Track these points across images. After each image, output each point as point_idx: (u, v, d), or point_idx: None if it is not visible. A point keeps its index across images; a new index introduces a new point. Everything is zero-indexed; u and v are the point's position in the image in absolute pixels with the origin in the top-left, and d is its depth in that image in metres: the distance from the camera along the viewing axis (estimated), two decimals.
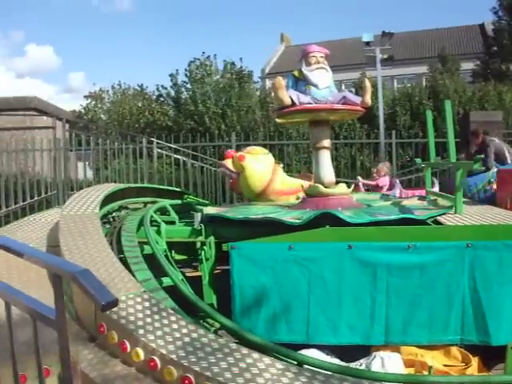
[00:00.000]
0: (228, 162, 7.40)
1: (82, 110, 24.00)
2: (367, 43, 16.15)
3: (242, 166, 7.09)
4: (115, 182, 10.41)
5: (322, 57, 5.76)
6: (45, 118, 13.17)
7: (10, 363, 2.01)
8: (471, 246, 4.27)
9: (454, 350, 4.36)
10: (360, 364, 4.21)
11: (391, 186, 9.58)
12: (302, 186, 6.34)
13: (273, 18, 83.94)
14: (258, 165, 7.19)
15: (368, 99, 5.67)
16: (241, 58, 21.82)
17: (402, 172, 13.82)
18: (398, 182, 9.98)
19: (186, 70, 21.40)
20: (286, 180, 7.38)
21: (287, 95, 5.44)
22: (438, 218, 5.40)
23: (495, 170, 7.48)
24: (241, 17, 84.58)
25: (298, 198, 6.71)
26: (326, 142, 5.77)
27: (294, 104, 5.46)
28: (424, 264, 4.30)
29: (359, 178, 10.13)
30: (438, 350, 4.40)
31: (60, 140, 9.71)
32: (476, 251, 4.27)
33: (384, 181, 9.67)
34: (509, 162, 7.91)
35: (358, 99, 5.65)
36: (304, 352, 4.01)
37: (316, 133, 5.82)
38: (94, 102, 24.62)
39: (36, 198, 8.86)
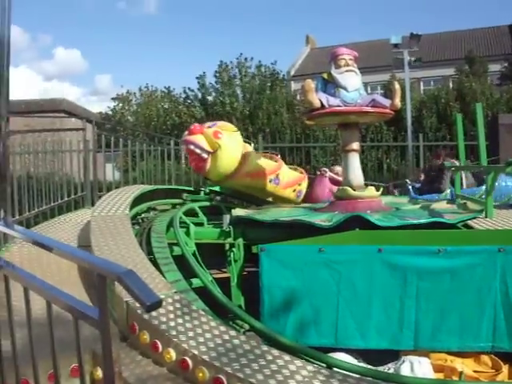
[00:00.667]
0: (199, 139, 6.55)
1: (110, 112, 24.23)
2: (395, 45, 16.03)
3: (218, 144, 6.52)
4: (143, 183, 10.50)
5: (351, 59, 5.76)
6: (73, 119, 13.34)
7: (42, 361, 2.04)
8: (503, 251, 4.22)
9: (485, 356, 4.31)
10: (388, 368, 4.19)
11: None
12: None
13: (298, 20, 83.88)
14: (234, 143, 6.71)
15: (397, 102, 5.64)
16: (275, 61, 21.83)
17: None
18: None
19: (215, 71, 21.55)
20: (256, 161, 6.99)
21: (316, 98, 5.44)
22: (469, 221, 5.35)
23: (448, 191, 7.45)
24: (266, 19, 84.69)
25: (270, 181, 6.77)
26: (356, 145, 5.76)
27: (323, 106, 5.46)
28: (454, 268, 4.26)
29: (326, 169, 8.94)
30: (468, 355, 4.36)
31: (90, 142, 9.83)
32: (508, 256, 4.21)
33: None
34: (464, 187, 7.78)
35: (387, 102, 5.63)
36: (332, 355, 4.01)
37: (345, 135, 5.81)
38: (121, 104, 24.82)
39: (66, 199, 8.97)
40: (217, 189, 7.57)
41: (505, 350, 4.22)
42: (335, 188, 6.77)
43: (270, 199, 7.46)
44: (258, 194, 7.15)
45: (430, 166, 9.28)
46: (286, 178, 7.11)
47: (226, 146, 6.53)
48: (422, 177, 8.72)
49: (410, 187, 7.95)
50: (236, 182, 6.80)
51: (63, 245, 1.79)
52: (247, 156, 6.79)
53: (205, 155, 6.52)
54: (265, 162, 7.10)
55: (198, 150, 6.51)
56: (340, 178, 8.74)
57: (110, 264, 1.47)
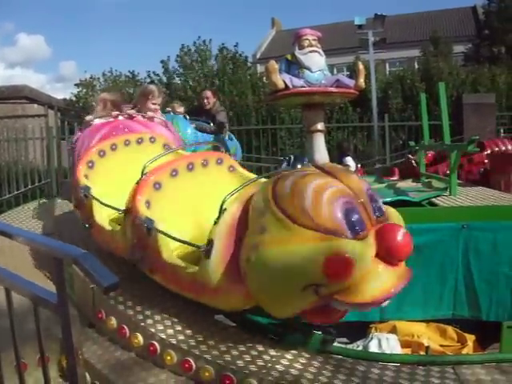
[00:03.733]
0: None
1: (74, 98, 23.78)
2: (359, 26, 16.05)
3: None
4: None
5: (314, 40, 5.72)
6: (36, 106, 13.08)
7: (8, 351, 2.01)
8: (466, 227, 4.31)
9: (450, 331, 4.42)
10: (357, 346, 4.25)
11: None
12: None
13: (263, 3, 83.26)
14: None
15: (361, 82, 5.65)
16: (236, 43, 21.57)
17: (396, 155, 13.81)
18: None
19: (177, 55, 21.31)
20: None
21: (280, 79, 5.40)
22: (433, 199, 5.42)
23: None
24: (232, 2, 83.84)
25: None
26: (320, 125, 5.76)
27: (287, 87, 5.43)
28: (420, 245, 4.32)
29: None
30: (434, 330, 4.45)
31: (52, 128, 9.65)
32: (471, 232, 4.31)
33: None
34: None
35: (351, 82, 5.63)
36: None
37: (310, 116, 5.80)
38: (85, 90, 24.39)
39: (29, 187, 8.82)
40: None
41: (464, 317, 4.38)
42: None
43: None
44: None
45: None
46: None
47: None
48: None
49: None
50: None
51: (18, 230, 1.76)
52: None
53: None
54: None
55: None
56: None
57: (67, 247, 1.45)
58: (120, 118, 4.62)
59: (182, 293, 3.11)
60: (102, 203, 3.71)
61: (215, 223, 2.80)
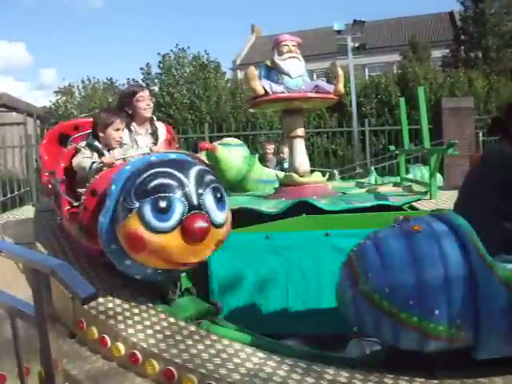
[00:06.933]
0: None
1: (53, 106, 23.56)
2: (338, 32, 16.15)
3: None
4: None
5: (294, 46, 5.74)
6: (15, 114, 12.98)
7: None
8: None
9: None
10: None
11: None
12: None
13: (243, 9, 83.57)
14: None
15: (341, 87, 5.67)
16: (205, 50, 21.63)
17: (376, 159, 13.89)
18: None
19: (159, 62, 21.36)
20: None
21: (260, 85, 5.41)
22: (414, 203, 5.44)
23: None
24: (211, 9, 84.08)
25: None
26: (300, 131, 5.77)
27: (267, 93, 5.44)
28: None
29: None
30: None
31: (31, 136, 9.57)
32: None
33: None
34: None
35: (330, 87, 5.65)
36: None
37: (289, 122, 5.81)
38: (64, 98, 24.19)
39: (9, 196, 8.73)
40: None
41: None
42: None
43: None
44: None
45: None
46: None
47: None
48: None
49: None
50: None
51: None
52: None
53: None
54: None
55: None
56: None
57: (44, 258, 1.43)
58: None
59: None
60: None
61: None
